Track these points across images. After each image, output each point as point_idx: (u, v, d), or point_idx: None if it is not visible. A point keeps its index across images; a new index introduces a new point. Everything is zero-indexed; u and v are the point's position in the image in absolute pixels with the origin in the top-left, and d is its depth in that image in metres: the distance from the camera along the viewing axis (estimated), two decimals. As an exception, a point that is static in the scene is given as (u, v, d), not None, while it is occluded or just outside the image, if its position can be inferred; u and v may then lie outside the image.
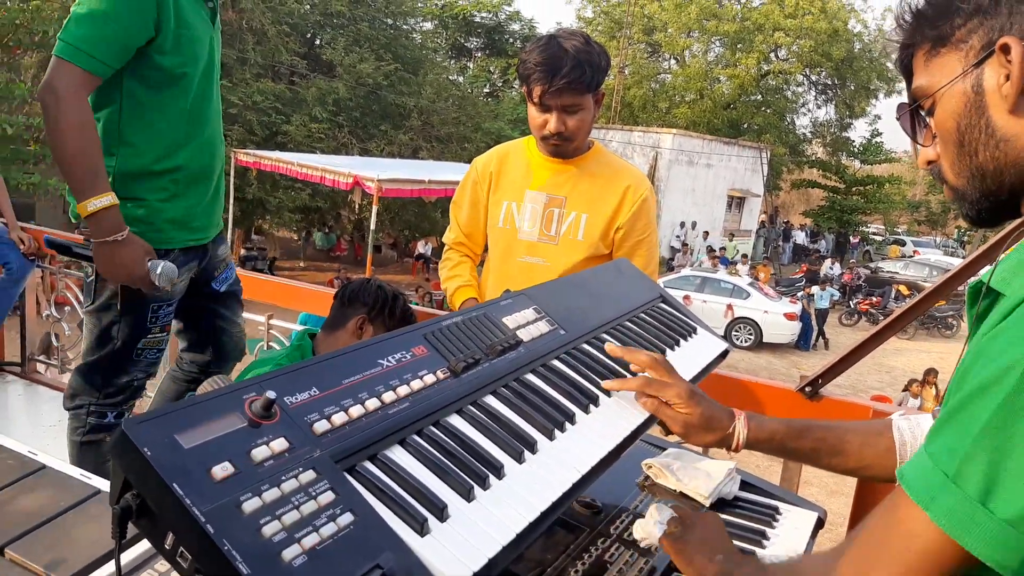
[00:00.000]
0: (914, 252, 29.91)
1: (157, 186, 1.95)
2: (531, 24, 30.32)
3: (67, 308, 3.77)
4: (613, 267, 1.62)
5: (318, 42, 21.10)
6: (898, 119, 0.92)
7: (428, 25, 28.65)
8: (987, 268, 0.99)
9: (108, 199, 1.79)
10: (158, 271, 1.89)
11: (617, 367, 1.19)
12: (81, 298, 3.22)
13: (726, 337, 15.92)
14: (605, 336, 1.28)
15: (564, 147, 2.03)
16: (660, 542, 1.03)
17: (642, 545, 1.15)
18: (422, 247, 20.91)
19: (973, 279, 0.86)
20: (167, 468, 0.64)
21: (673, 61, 33.14)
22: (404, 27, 22.74)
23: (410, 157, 18.89)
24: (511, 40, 30.09)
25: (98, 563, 1.07)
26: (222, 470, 0.66)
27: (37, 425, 3.08)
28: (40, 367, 3.60)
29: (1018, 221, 0.89)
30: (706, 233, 24.66)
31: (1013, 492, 0.65)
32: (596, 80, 1.95)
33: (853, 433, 1.17)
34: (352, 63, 18.84)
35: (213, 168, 2.09)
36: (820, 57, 29.29)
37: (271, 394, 0.74)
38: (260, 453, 0.70)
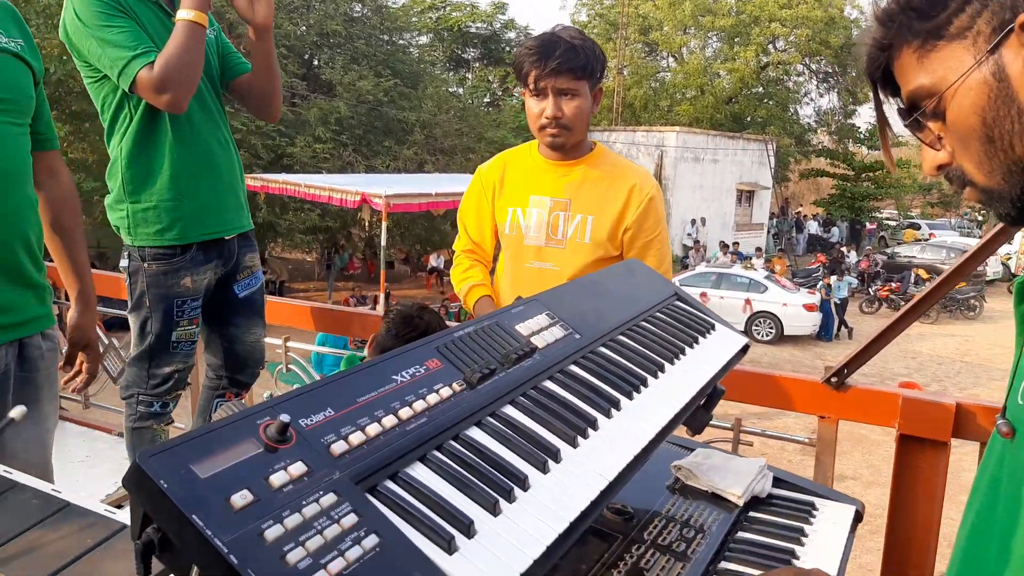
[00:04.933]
0: (930, 235, 29.65)
1: (159, 188, 2.08)
2: (526, 31, 30.44)
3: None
4: (624, 267, 1.60)
5: (316, 62, 21.22)
6: (907, 126, 0.83)
7: (424, 39, 28.83)
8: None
9: None
10: None
11: (638, 370, 1.17)
12: (103, 337, 3.22)
13: (747, 332, 15.74)
14: (622, 337, 1.26)
15: (563, 137, 2.00)
16: None
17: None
18: (434, 260, 20.94)
19: (1021, 276, 0.81)
20: (185, 500, 0.63)
21: (671, 59, 33.13)
22: (400, 42, 22.88)
23: (415, 171, 18.93)
24: (508, 48, 30.16)
25: (126, 599, 1.06)
26: (241, 498, 0.65)
27: (65, 461, 3.08)
28: (65, 403, 3.61)
29: None
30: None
31: None
32: (591, 67, 1.94)
33: None
34: (351, 81, 18.95)
35: (213, 167, 2.16)
36: (818, 46, 29.18)
37: (285, 417, 0.72)
38: (278, 479, 0.68)
